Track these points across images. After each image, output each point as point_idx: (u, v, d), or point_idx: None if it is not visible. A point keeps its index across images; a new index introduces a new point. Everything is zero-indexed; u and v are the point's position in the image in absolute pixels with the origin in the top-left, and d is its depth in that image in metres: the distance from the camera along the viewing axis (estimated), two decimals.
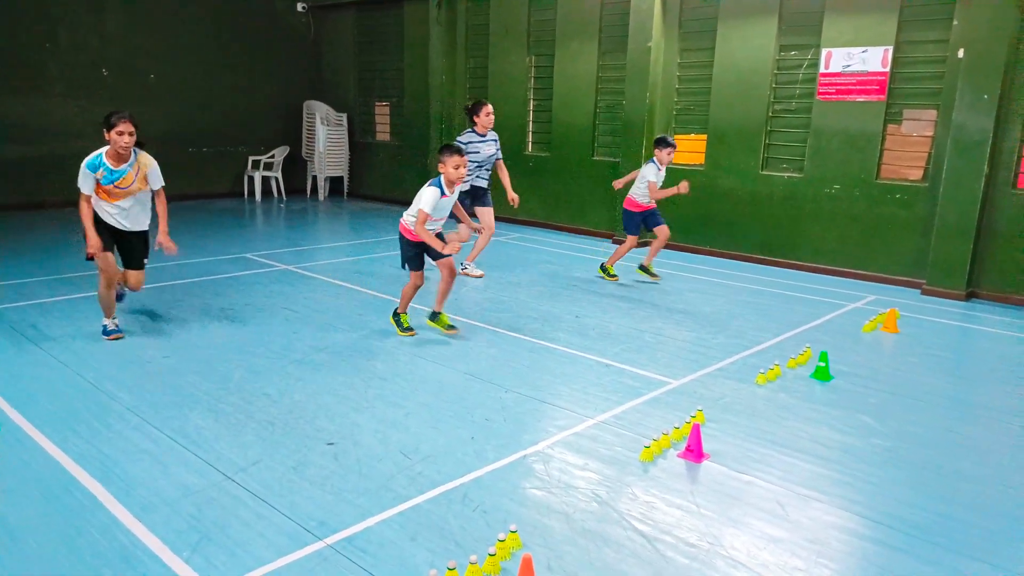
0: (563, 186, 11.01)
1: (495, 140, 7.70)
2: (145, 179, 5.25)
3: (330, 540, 2.91)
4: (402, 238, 5.57)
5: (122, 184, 5.11)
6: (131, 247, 5.45)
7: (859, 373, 5.12)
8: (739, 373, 5.04)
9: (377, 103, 13.98)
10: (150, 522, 2.99)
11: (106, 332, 5.30)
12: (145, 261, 5.59)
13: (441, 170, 5.30)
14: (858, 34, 8.04)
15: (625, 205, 7.75)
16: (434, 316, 5.79)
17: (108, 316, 5.33)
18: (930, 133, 7.81)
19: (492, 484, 3.40)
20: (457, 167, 5.25)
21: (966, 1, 7.26)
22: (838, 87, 8.24)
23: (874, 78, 7.97)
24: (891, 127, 8.04)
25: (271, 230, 10.70)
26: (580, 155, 10.76)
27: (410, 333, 5.61)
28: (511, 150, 11.65)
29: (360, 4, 13.68)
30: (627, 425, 4.11)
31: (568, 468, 3.60)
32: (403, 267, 5.67)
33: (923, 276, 7.77)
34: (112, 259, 5.19)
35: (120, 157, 5.07)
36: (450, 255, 5.45)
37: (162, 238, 5.29)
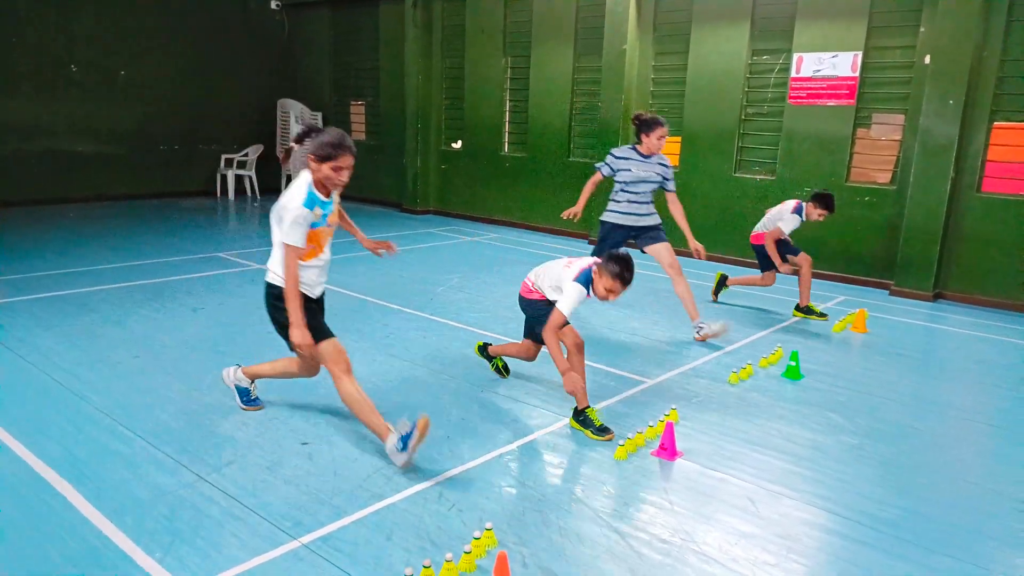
0: (539, 187, 11.05)
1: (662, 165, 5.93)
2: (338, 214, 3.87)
3: (305, 539, 2.90)
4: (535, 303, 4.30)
5: (331, 221, 3.74)
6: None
7: (829, 372, 5.21)
8: (712, 372, 5.10)
9: (352, 102, 13.91)
10: (122, 524, 2.95)
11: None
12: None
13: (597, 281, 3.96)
14: (828, 40, 8.18)
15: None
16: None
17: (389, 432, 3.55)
18: (898, 137, 7.97)
19: (467, 483, 3.41)
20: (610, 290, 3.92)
21: (932, 8, 7.43)
22: (809, 91, 8.37)
23: (844, 83, 8.11)
24: (860, 131, 8.19)
25: (244, 229, 10.59)
26: (556, 156, 10.81)
27: (608, 436, 3.95)
28: (487, 151, 11.69)
29: (335, 3, 13.61)
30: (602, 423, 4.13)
31: (543, 467, 3.63)
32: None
33: (891, 277, 7.93)
34: (338, 345, 3.66)
35: (326, 192, 3.71)
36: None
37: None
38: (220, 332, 5.50)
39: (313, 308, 3.70)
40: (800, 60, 8.39)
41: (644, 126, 5.78)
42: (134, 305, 6.11)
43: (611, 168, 5.95)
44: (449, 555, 2.69)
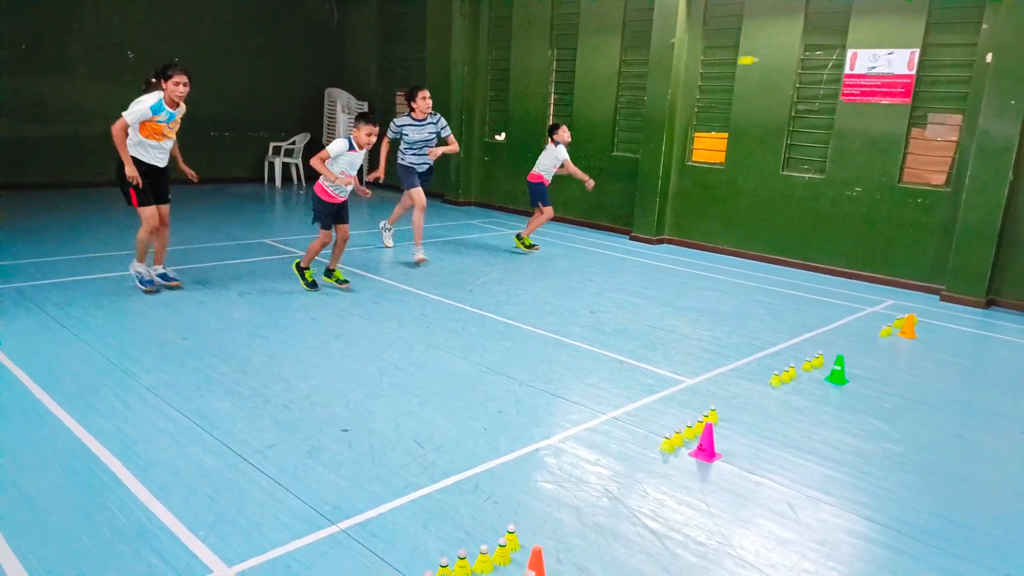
0: (580, 182, 10.97)
1: (433, 124, 8.10)
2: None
3: (343, 525, 2.95)
4: (316, 197, 6.32)
5: (173, 125, 5.96)
6: (164, 184, 6.11)
7: (874, 378, 5.10)
8: (753, 374, 5.04)
9: (398, 92, 14.02)
10: (168, 501, 3.05)
11: (143, 283, 6.06)
12: (169, 197, 6.27)
13: (353, 132, 6.16)
14: (884, 36, 7.97)
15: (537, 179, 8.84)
16: (328, 273, 6.54)
17: (142, 261, 6.08)
18: (954, 138, 7.73)
19: (504, 476, 3.43)
20: (369, 135, 6.11)
21: (996, 5, 7.18)
22: (862, 89, 8.17)
23: (899, 81, 7.90)
24: (915, 131, 7.96)
25: (290, 216, 10.78)
26: (600, 150, 10.74)
27: (313, 288, 6.36)
28: (530, 144, 11.67)
29: None
30: (640, 422, 4.13)
31: (580, 463, 3.63)
32: (313, 223, 6.41)
33: (943, 282, 7.71)
34: (156, 210, 5.96)
35: (174, 104, 5.88)
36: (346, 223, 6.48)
37: (183, 166, 6.31)
38: (265, 317, 5.61)
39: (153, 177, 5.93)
40: (854, 56, 8.18)
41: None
42: (183, 289, 6.27)
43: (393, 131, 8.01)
44: (484, 547, 2.72)
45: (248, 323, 5.45)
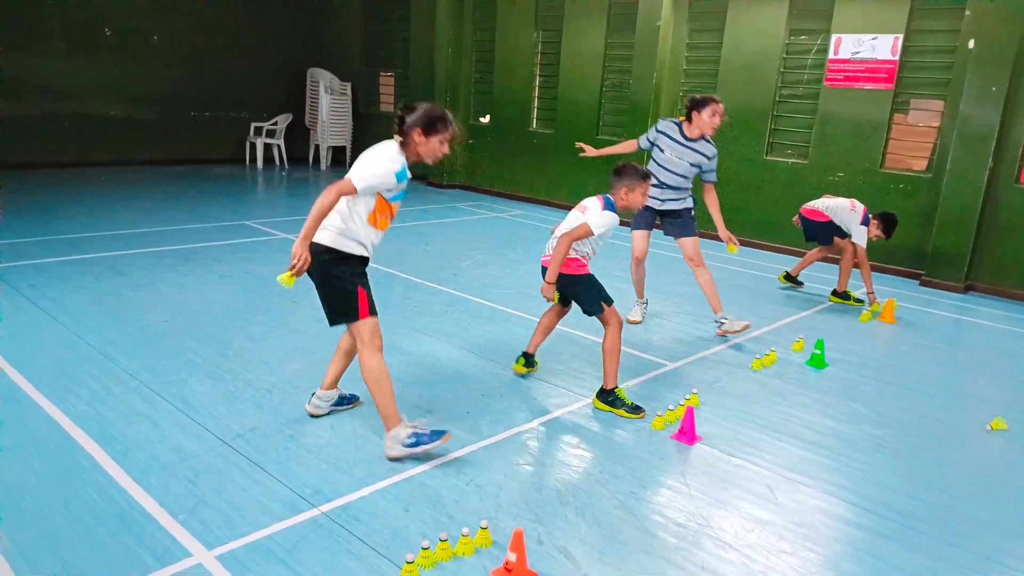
0: (566, 164, 10.97)
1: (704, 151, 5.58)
2: None
3: (325, 508, 2.94)
4: (574, 276, 4.13)
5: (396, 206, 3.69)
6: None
7: (854, 361, 5.16)
8: (735, 358, 5.07)
9: (382, 73, 13.87)
10: (147, 485, 3.02)
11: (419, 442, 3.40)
12: None
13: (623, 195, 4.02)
14: (868, 21, 7.98)
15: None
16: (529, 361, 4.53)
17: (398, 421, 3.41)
18: (936, 124, 7.78)
19: (486, 459, 3.44)
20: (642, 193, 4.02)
21: None
22: (846, 74, 8.19)
23: (883, 66, 7.92)
24: (897, 116, 8.01)
25: (272, 198, 10.67)
26: (585, 133, 10.68)
27: (641, 415, 4.01)
28: (515, 126, 11.61)
29: None
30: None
31: (561, 446, 3.64)
32: (597, 311, 4.13)
33: (923, 267, 7.79)
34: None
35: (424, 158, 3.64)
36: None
37: None
38: (247, 300, 5.56)
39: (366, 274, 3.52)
40: (839, 41, 8.19)
41: (696, 104, 5.40)
42: (163, 270, 6.20)
43: (648, 142, 5.62)
44: (466, 530, 2.72)
45: (229, 306, 5.40)
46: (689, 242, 5.56)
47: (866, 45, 8.01)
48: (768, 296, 6.79)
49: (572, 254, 4.05)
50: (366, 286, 3.45)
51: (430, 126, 3.47)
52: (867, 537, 3.04)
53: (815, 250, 7.03)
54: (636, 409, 3.99)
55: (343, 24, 14.22)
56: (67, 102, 11.39)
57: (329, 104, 13.49)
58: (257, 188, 11.44)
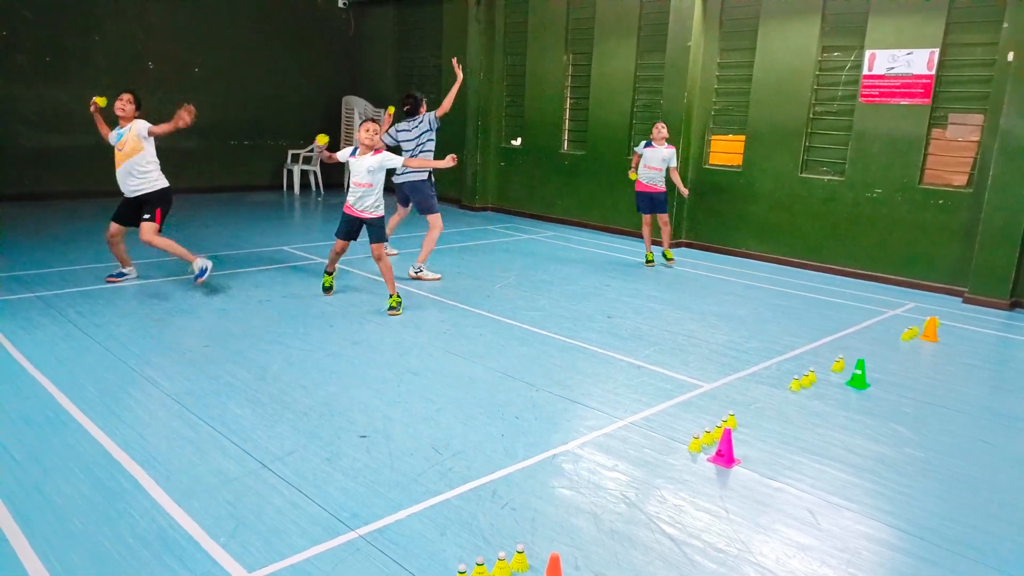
0: (598, 185, 10.99)
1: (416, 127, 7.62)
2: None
3: (362, 531, 2.96)
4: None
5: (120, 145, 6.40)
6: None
7: (896, 382, 5.05)
8: (773, 379, 5.00)
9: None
10: (189, 507, 3.08)
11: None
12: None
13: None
14: (903, 36, 7.90)
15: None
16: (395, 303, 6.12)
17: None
18: (976, 138, 7.64)
19: (521, 482, 3.43)
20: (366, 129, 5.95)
21: (1017, 3, 7.09)
22: (881, 90, 8.10)
23: (919, 81, 7.82)
24: (936, 131, 7.88)
25: (308, 223, 10.86)
26: (616, 154, 10.73)
27: (328, 294, 6.44)
28: (546, 148, 11.67)
29: (400, 0, 13.79)
30: (657, 428, 4.11)
31: (597, 469, 3.62)
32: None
33: (965, 284, 7.61)
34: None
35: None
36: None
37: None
38: (285, 324, 5.65)
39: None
40: (873, 57, 8.11)
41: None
42: (204, 295, 6.34)
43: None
44: (502, 554, 2.72)
45: (267, 330, 5.49)
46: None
47: (901, 60, 7.92)
48: (806, 315, 6.69)
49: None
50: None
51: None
52: (913, 563, 2.96)
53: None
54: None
55: (376, 51, 14.50)
56: None
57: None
58: (294, 214, 11.65)
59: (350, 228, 6.16)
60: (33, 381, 4.34)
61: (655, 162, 8.36)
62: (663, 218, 8.53)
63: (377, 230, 6.08)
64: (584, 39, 11.02)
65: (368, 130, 5.89)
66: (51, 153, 11.38)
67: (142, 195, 6.41)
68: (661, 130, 8.30)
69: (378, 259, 6.04)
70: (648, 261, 8.61)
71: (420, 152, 7.53)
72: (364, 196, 6.02)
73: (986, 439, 4.22)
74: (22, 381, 4.33)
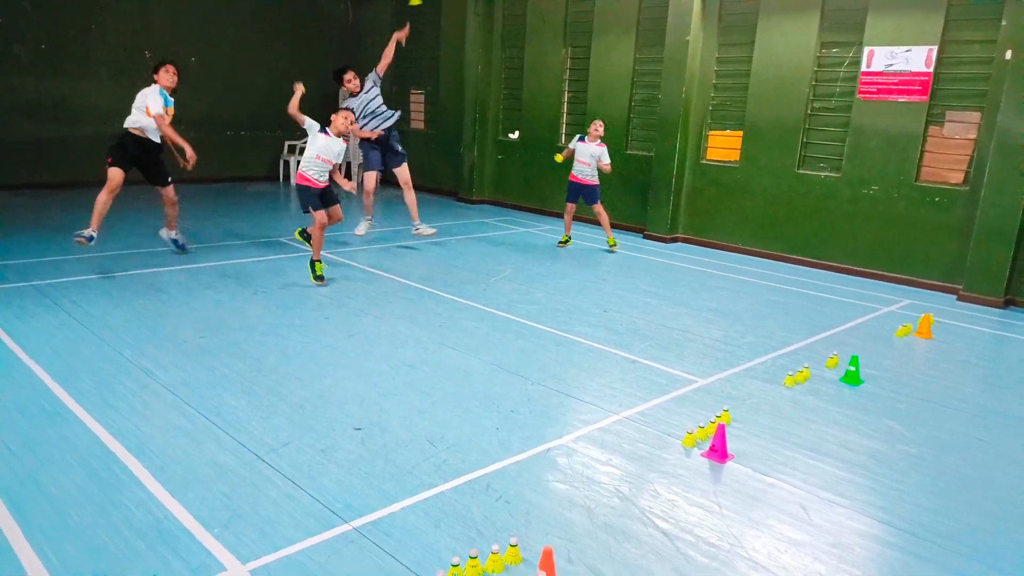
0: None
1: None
2: None
3: (356, 523, 2.97)
4: (300, 188, 6.84)
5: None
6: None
7: (890, 378, 5.07)
8: (767, 374, 5.02)
9: (412, 91, 14.05)
10: (184, 498, 3.08)
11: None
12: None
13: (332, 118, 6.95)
14: (902, 33, 7.89)
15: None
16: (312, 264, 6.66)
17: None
18: (973, 136, 7.65)
19: (515, 475, 3.44)
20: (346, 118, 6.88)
21: (1016, 1, 7.09)
22: (879, 86, 8.10)
23: (917, 78, 7.82)
24: (932, 128, 7.88)
25: (304, 215, 10.81)
26: (614, 148, 10.69)
27: (322, 282, 6.56)
28: (544, 142, 11.66)
29: None
30: (652, 422, 4.12)
31: (591, 463, 3.63)
32: (305, 213, 6.77)
33: (960, 281, 7.63)
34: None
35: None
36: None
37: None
38: (280, 315, 5.65)
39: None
40: (871, 54, 8.11)
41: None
42: (200, 287, 6.33)
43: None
44: (495, 547, 2.73)
45: (263, 321, 5.49)
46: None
47: (900, 57, 7.92)
48: (801, 311, 6.71)
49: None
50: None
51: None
52: (904, 559, 2.98)
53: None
54: (320, 279, 6.53)
55: (375, 44, 14.41)
56: (113, 124, 11.67)
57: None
58: (290, 205, 11.63)
59: (323, 195, 6.83)
60: (28, 371, 4.33)
61: (585, 156, 8.84)
62: (596, 208, 9.03)
63: (332, 194, 6.97)
64: (583, 33, 10.99)
65: (347, 118, 6.85)
66: (48, 143, 11.33)
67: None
68: (597, 128, 8.78)
69: (338, 220, 7.07)
70: (562, 242, 9.16)
71: (364, 117, 8.61)
72: (327, 170, 6.77)
73: (979, 436, 4.24)
74: (17, 371, 4.33)
